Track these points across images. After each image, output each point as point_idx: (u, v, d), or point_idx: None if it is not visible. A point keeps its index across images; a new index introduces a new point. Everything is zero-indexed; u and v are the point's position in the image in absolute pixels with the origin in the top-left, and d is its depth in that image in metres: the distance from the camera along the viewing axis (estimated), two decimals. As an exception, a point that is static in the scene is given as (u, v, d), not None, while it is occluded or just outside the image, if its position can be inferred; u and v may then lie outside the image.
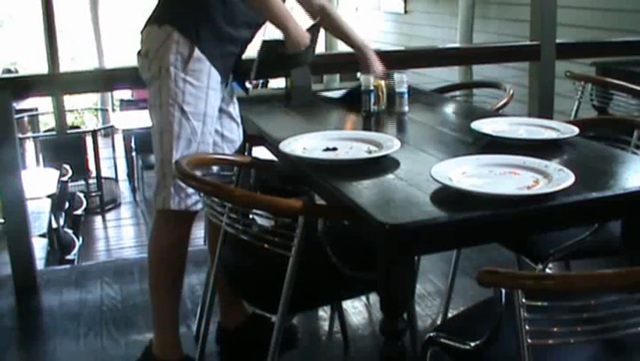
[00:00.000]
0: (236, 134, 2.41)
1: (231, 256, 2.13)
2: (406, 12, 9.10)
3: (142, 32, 2.24)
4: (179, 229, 2.25)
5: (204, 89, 2.17)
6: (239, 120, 2.44)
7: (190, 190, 2.14)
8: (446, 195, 1.60)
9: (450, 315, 2.64)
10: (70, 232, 5.39)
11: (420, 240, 1.50)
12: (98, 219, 7.65)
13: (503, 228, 1.60)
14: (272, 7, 2.21)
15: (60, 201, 5.45)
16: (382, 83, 2.50)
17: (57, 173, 5.65)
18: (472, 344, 1.49)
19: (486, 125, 2.15)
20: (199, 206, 2.18)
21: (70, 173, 6.01)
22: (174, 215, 2.20)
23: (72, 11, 13.02)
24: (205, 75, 2.17)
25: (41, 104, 9.32)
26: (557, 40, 3.64)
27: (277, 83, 3.75)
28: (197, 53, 2.14)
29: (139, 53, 2.25)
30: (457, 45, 6.41)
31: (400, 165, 1.87)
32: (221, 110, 2.32)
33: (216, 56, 2.19)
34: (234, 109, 2.42)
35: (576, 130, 2.08)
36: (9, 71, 9.94)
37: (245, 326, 2.51)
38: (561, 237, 2.02)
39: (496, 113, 2.70)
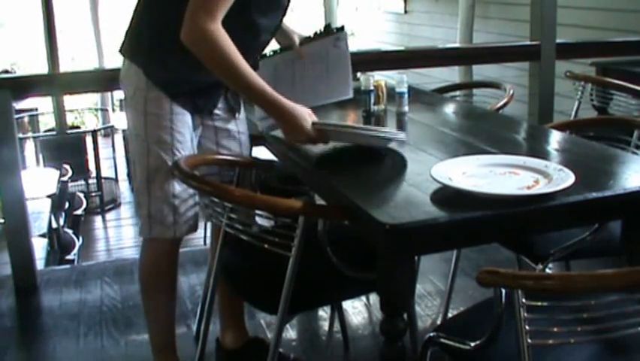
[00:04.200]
0: (235, 152, 2.27)
1: (231, 257, 2.13)
2: (406, 12, 9.11)
3: None
4: (163, 255, 2.19)
5: (167, 117, 2.06)
6: (243, 138, 2.28)
7: (165, 218, 2.09)
8: (446, 195, 1.60)
9: (450, 315, 2.64)
10: (70, 232, 5.39)
11: (420, 240, 1.50)
12: (98, 219, 7.65)
13: (503, 228, 1.60)
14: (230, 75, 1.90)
15: (60, 201, 5.45)
16: (382, 82, 2.49)
17: (57, 173, 5.65)
18: (472, 344, 1.49)
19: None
20: (173, 233, 2.12)
21: (70, 173, 6.02)
22: (156, 242, 2.15)
23: (72, 11, 13.03)
24: (166, 102, 2.06)
25: (41, 104, 9.31)
26: (557, 40, 3.64)
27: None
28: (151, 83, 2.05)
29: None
30: (457, 45, 6.42)
31: (400, 165, 1.87)
32: (216, 128, 2.22)
33: (182, 90, 2.08)
34: (236, 125, 2.26)
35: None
36: (9, 71, 9.95)
37: (242, 351, 2.42)
38: (561, 237, 2.02)
39: (496, 113, 2.70)
